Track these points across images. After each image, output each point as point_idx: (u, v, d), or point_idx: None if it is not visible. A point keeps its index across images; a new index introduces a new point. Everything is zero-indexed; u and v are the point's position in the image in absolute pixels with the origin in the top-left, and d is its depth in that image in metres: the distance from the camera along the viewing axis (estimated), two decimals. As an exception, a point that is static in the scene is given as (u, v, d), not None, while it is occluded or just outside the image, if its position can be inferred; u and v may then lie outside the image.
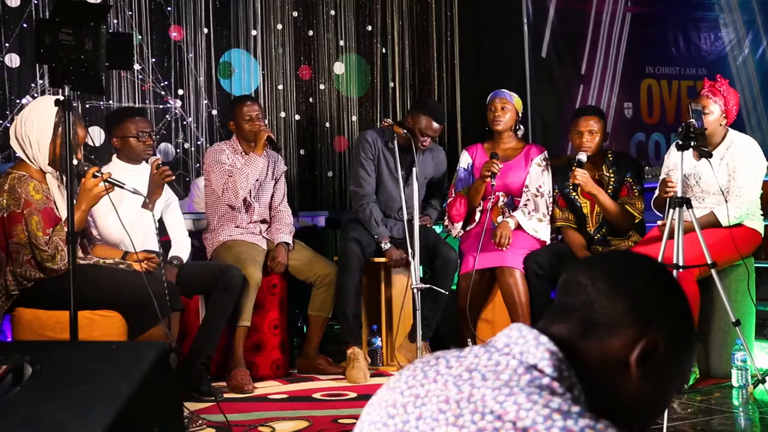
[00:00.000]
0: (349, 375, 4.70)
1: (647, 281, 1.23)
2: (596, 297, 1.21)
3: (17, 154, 3.87)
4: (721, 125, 4.54)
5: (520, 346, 1.18)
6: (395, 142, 4.79)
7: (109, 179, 3.70)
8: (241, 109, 4.93)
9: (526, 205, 5.01)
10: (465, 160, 5.23)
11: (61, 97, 3.38)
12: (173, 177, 4.25)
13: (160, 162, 4.26)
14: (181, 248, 4.57)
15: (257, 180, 4.91)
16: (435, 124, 4.93)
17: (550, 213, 5.02)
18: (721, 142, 4.56)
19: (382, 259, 5.01)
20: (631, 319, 1.20)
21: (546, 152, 5.16)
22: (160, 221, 4.55)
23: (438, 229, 5.36)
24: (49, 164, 3.78)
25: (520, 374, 1.12)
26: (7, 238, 3.71)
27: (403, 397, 1.18)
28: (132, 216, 4.20)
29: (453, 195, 5.18)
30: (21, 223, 3.68)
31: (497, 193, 5.06)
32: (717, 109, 4.50)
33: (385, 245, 4.94)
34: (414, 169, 4.64)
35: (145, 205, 4.20)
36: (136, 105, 5.97)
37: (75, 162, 3.71)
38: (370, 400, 1.25)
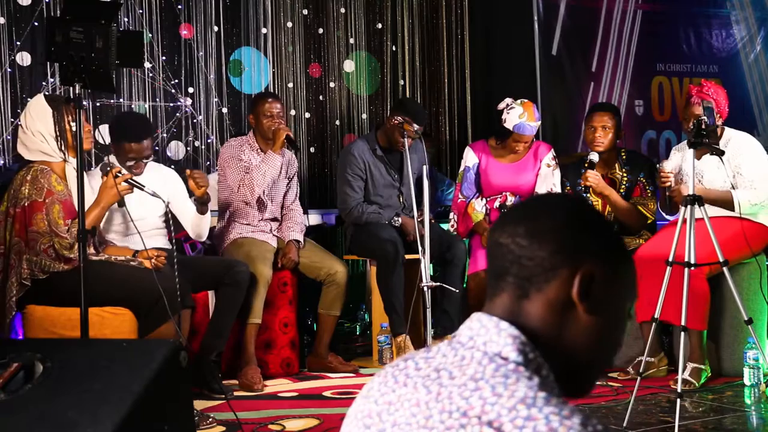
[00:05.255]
0: None
1: (562, 219, 1.21)
2: (521, 251, 1.19)
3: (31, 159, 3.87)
4: (718, 126, 4.54)
5: (483, 337, 1.16)
6: (380, 146, 5.05)
7: (129, 180, 3.74)
8: (262, 105, 4.92)
9: None
10: (471, 159, 5.18)
11: (49, 93, 3.41)
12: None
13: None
14: (203, 225, 4.57)
15: (272, 178, 4.92)
16: (415, 125, 4.94)
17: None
18: (718, 141, 4.55)
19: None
20: (560, 259, 1.18)
21: (553, 150, 5.15)
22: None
23: (445, 227, 5.37)
24: (70, 154, 3.82)
25: (485, 365, 1.11)
26: (26, 227, 3.73)
27: (377, 406, 1.17)
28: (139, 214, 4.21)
29: (459, 196, 5.16)
30: (42, 211, 3.72)
31: (504, 193, 5.05)
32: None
33: (398, 220, 5.05)
34: (424, 167, 4.64)
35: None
36: (147, 104, 5.98)
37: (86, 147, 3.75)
38: (348, 411, 1.23)
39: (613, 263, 1.22)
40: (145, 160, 4.36)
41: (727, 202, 4.42)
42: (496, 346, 1.15)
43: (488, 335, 1.16)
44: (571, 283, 1.18)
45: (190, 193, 4.54)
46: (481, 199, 5.09)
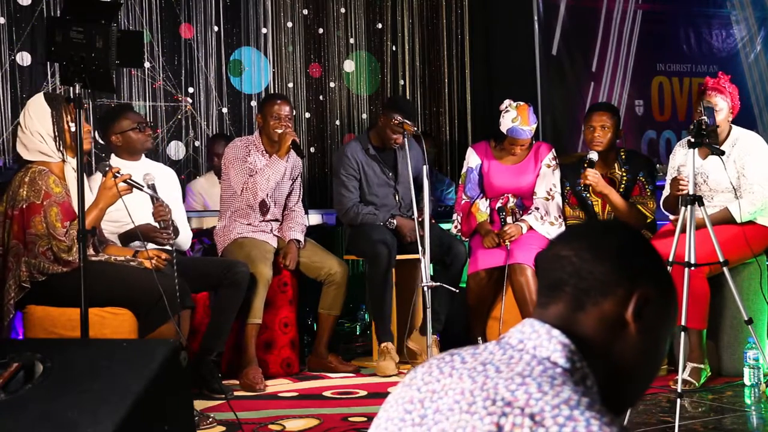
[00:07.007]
0: (379, 367, 4.76)
1: (625, 241, 1.29)
2: (582, 264, 1.25)
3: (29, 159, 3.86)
4: (728, 122, 4.54)
5: (533, 341, 1.21)
6: (372, 145, 5.08)
7: (128, 180, 3.74)
8: (271, 107, 4.91)
9: (537, 209, 4.99)
10: (474, 160, 5.16)
11: (50, 91, 3.41)
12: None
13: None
14: (182, 239, 4.57)
15: (276, 182, 4.90)
16: (407, 122, 4.93)
17: (562, 215, 5.00)
18: (726, 138, 4.54)
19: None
20: (618, 278, 1.25)
21: (554, 151, 5.15)
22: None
23: (447, 227, 5.36)
24: (69, 154, 3.82)
25: (533, 366, 1.16)
26: (24, 229, 3.72)
27: (419, 393, 1.21)
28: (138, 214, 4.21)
29: (463, 197, 5.15)
30: (40, 214, 3.71)
31: (506, 194, 5.05)
32: (725, 106, 4.49)
33: (393, 222, 5.04)
34: (424, 167, 4.63)
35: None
36: (147, 103, 5.98)
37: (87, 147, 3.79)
38: (387, 397, 1.26)
39: (664, 290, 1.29)
40: (149, 124, 4.61)
41: (728, 218, 4.44)
42: (545, 351, 1.19)
43: (539, 340, 1.21)
44: (626, 303, 1.25)
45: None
46: (485, 200, 5.09)
